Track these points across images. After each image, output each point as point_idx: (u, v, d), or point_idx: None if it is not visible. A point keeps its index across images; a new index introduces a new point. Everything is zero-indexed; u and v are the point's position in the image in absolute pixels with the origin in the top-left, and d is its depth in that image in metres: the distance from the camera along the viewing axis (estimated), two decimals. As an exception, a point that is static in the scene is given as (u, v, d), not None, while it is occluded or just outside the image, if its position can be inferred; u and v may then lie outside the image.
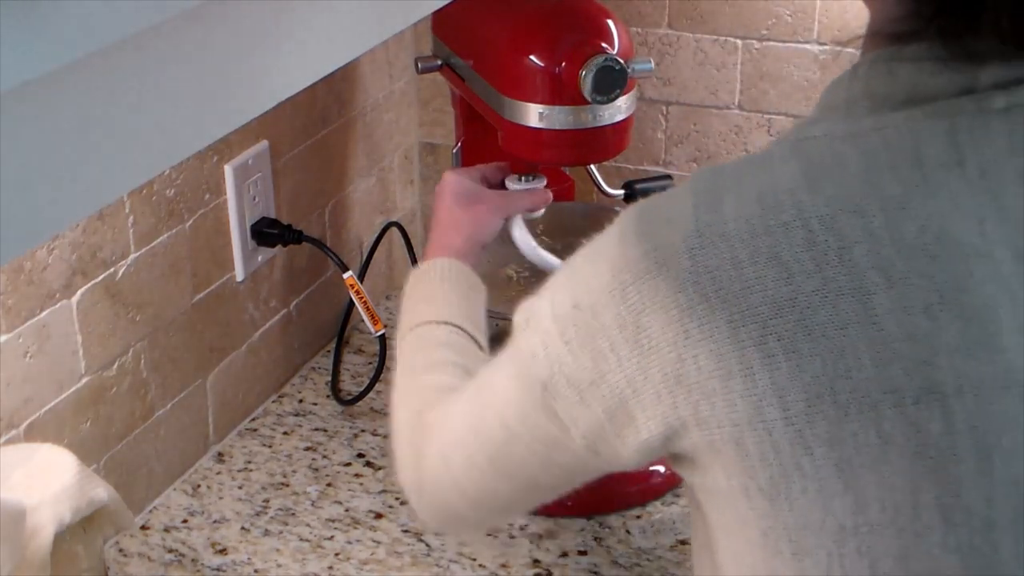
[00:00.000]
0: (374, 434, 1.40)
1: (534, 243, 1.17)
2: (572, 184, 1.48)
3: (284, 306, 1.47)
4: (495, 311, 1.13)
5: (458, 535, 1.23)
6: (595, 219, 0.95)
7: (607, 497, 1.28)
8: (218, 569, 1.21)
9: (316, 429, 1.41)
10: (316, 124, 1.47)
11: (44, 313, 1.11)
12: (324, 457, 1.36)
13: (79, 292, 1.14)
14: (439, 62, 1.32)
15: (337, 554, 1.22)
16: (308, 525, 1.26)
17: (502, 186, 1.20)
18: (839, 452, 0.67)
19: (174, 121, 0.52)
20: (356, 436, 1.39)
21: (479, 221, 1.13)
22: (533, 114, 1.14)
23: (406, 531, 1.25)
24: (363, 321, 1.43)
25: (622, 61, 1.10)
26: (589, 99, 1.11)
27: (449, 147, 1.61)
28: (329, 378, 1.49)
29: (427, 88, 1.68)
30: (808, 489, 0.68)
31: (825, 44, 1.51)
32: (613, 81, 1.10)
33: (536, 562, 1.21)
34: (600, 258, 0.73)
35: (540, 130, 1.14)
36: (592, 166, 1.38)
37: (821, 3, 1.50)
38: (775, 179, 0.70)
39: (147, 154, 0.51)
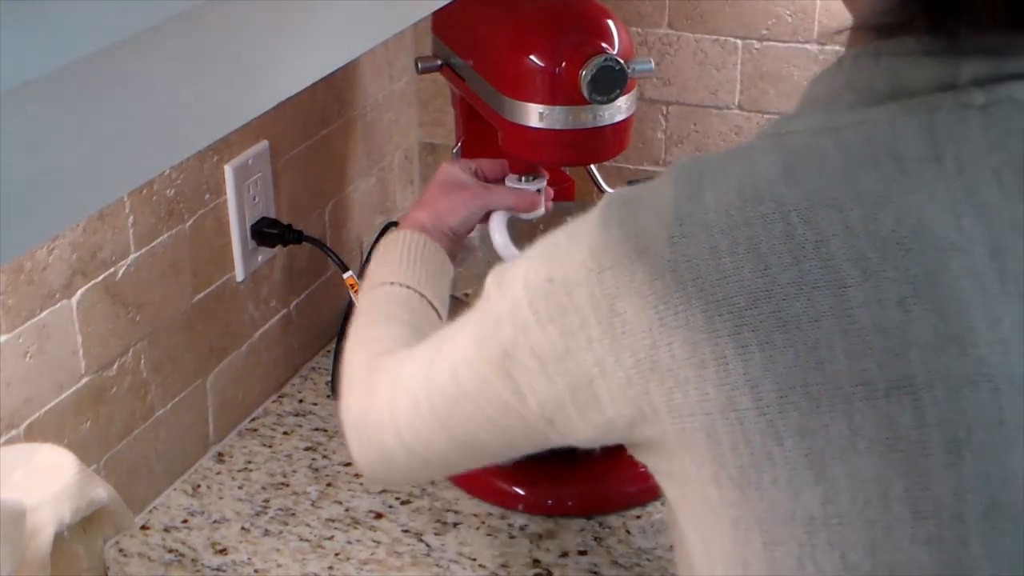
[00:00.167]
0: (374, 434, 1.40)
1: (510, 242, 1.16)
2: (572, 184, 1.47)
3: (284, 306, 1.47)
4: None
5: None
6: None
7: (607, 497, 1.28)
8: (218, 569, 1.21)
9: (316, 429, 1.41)
10: (316, 124, 1.47)
11: (44, 313, 1.11)
12: (324, 457, 1.36)
13: (79, 292, 1.14)
14: (439, 62, 1.32)
15: (337, 554, 1.22)
16: (308, 525, 1.26)
17: (501, 183, 1.20)
18: (810, 443, 0.67)
19: (174, 121, 0.52)
20: (356, 436, 1.40)
21: (452, 206, 1.14)
22: (533, 114, 1.14)
23: (406, 531, 1.25)
24: (363, 321, 1.43)
25: (622, 61, 1.10)
26: (589, 99, 1.11)
27: (449, 147, 1.61)
28: (329, 378, 1.49)
29: (427, 88, 1.68)
30: (778, 479, 0.68)
31: (825, 44, 1.51)
32: (613, 81, 1.10)
33: (536, 562, 1.21)
34: (580, 238, 0.73)
35: (540, 130, 1.14)
36: (592, 166, 1.38)
37: (821, 3, 1.50)
38: (756, 171, 0.70)
39: (147, 154, 0.51)
